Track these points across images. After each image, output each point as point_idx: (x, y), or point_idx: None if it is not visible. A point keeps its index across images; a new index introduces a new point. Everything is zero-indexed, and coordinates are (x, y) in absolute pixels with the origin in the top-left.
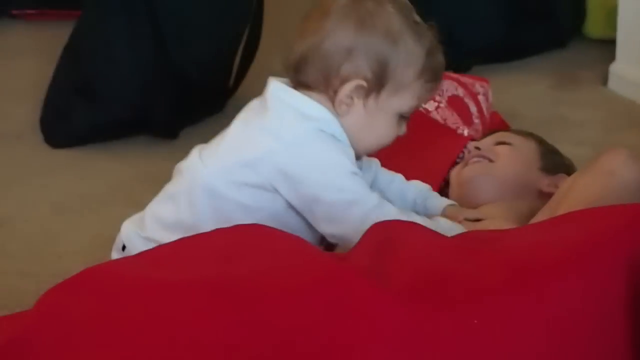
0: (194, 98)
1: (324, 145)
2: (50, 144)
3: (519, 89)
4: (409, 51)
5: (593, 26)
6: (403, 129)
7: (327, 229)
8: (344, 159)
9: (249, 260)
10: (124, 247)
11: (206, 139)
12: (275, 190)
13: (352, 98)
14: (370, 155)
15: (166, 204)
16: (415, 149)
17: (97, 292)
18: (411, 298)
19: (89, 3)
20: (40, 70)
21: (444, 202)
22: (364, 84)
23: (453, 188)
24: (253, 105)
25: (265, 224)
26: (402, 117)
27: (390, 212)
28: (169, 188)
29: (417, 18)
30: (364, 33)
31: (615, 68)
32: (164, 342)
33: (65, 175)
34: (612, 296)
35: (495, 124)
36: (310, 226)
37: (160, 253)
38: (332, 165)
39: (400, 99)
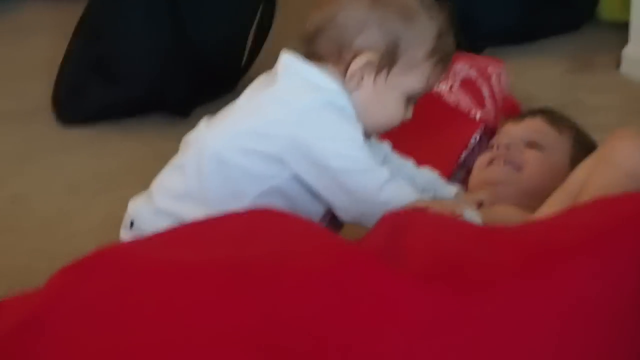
0: (208, 77)
1: (333, 116)
2: (63, 121)
3: (533, 72)
4: (422, 30)
5: (608, 9)
6: (410, 112)
7: (337, 200)
8: (354, 131)
9: (264, 243)
10: (132, 225)
11: None
12: (282, 161)
13: (362, 73)
14: (378, 135)
15: (174, 174)
16: (428, 133)
17: (111, 272)
18: (429, 281)
19: None
20: (54, 48)
21: (452, 191)
22: (376, 59)
23: (474, 180)
24: (262, 77)
25: (271, 194)
26: (410, 99)
27: (404, 189)
28: (176, 160)
29: None
30: (378, 7)
31: (628, 51)
32: (179, 323)
33: (78, 153)
34: (628, 281)
35: (508, 107)
36: (314, 199)
37: (174, 235)
38: (342, 135)
39: (409, 79)
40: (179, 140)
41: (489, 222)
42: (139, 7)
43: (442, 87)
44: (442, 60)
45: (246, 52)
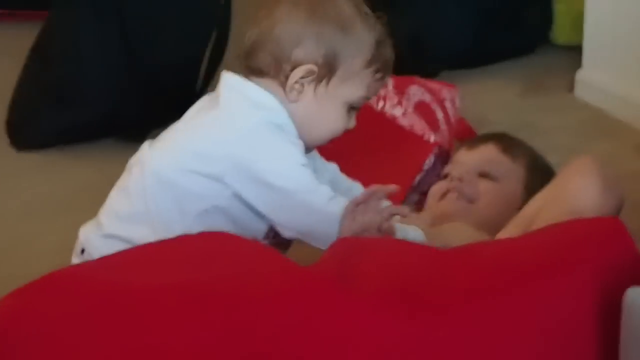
0: (161, 100)
1: (273, 135)
2: (17, 146)
3: (487, 96)
4: (359, 40)
5: (560, 32)
6: (353, 121)
7: (279, 218)
8: (295, 149)
9: (218, 267)
10: (82, 251)
11: None
12: (224, 181)
13: (302, 84)
14: (319, 147)
15: (119, 197)
16: (381, 155)
17: (63, 295)
18: (383, 305)
19: (58, 4)
20: (7, 73)
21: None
22: (315, 68)
23: (431, 210)
24: (205, 98)
25: (213, 213)
26: (352, 108)
27: (342, 204)
28: (120, 183)
29: (367, 9)
30: (315, 20)
31: (582, 75)
32: (133, 347)
33: (32, 178)
34: (583, 301)
35: (462, 130)
36: (257, 218)
37: (126, 258)
38: (283, 154)
39: (349, 87)
40: None
41: (438, 241)
42: (91, 32)
43: (397, 111)
44: (382, 69)
45: (201, 75)
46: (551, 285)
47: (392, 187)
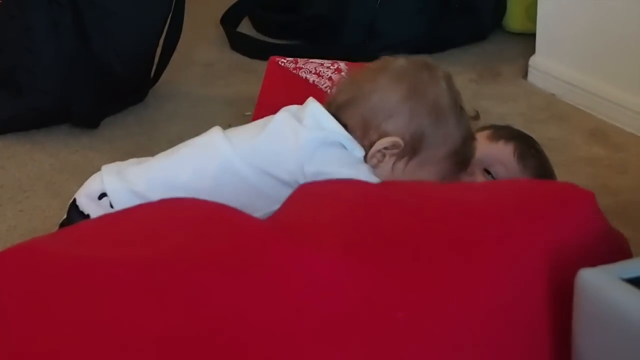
0: (115, 88)
1: (341, 151)
2: None
3: None
4: (448, 131)
5: (513, 20)
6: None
7: None
8: (363, 166)
9: (176, 235)
10: (101, 196)
11: (127, 128)
12: (294, 185)
13: (384, 154)
14: None
15: (171, 165)
16: None
17: (14, 270)
18: (349, 255)
19: None
20: None
21: None
22: (402, 143)
23: None
24: (288, 110)
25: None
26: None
27: None
28: (171, 154)
29: (462, 103)
30: (413, 98)
31: (535, 61)
32: (86, 325)
33: None
34: (533, 287)
35: None
36: None
37: (85, 229)
38: (354, 164)
39: (426, 172)
40: (86, 151)
41: None
42: (43, 18)
43: None
44: (460, 164)
45: (155, 64)
46: (504, 250)
47: None
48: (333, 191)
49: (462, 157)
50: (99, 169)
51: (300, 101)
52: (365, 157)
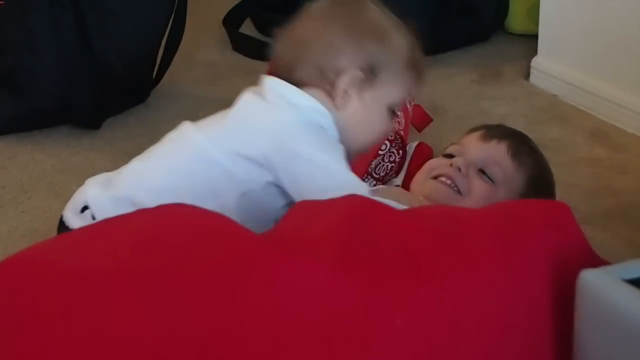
0: (116, 89)
1: (319, 132)
2: None
3: (441, 83)
4: (395, 42)
5: (515, 21)
6: (391, 124)
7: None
8: (336, 148)
9: (171, 245)
10: (83, 209)
11: (129, 129)
12: (264, 164)
13: (348, 90)
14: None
15: (148, 166)
16: None
17: (13, 281)
18: (342, 265)
19: None
20: None
21: None
22: (361, 74)
23: (416, 183)
24: (250, 90)
25: (241, 199)
26: (392, 111)
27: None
28: (149, 154)
29: (394, 17)
30: (352, 28)
31: (537, 62)
32: (75, 337)
33: None
34: (534, 291)
35: (418, 117)
36: (282, 208)
37: (82, 236)
38: (328, 148)
39: (392, 91)
40: (87, 152)
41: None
42: (44, 19)
43: None
44: (417, 70)
45: (156, 64)
46: (502, 254)
47: None
48: (328, 205)
49: (415, 62)
50: (100, 170)
51: None
52: (335, 105)
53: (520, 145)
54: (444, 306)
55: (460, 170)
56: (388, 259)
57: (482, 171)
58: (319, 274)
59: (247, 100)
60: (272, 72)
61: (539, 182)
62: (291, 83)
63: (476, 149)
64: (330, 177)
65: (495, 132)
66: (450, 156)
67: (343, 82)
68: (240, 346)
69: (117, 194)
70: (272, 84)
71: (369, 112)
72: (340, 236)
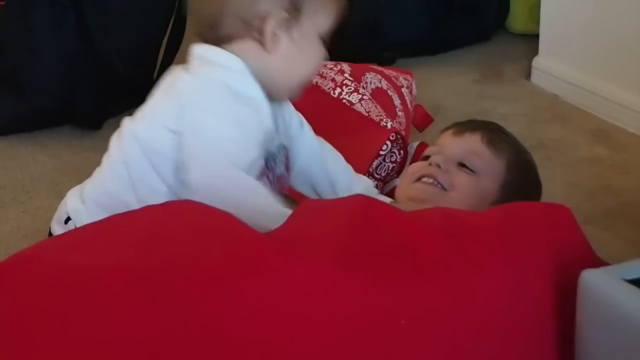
0: (118, 89)
1: (223, 97)
2: None
3: (443, 83)
4: None
5: (516, 21)
6: (325, 53)
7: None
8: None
9: (175, 243)
10: (67, 220)
11: None
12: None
13: (276, 32)
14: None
15: (103, 171)
16: (338, 142)
17: (16, 281)
18: (346, 264)
19: None
20: None
21: (368, 184)
22: (285, 14)
23: (400, 190)
24: (177, 67)
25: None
26: (323, 39)
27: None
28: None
29: None
30: None
31: (538, 62)
32: (76, 336)
33: None
34: (536, 291)
35: (419, 117)
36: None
37: (85, 234)
38: (222, 116)
39: (318, 20)
40: (88, 152)
41: None
42: (45, 19)
43: (354, 98)
44: None
45: (158, 64)
46: (504, 254)
47: None
48: (332, 205)
49: None
50: None
51: (302, 102)
52: (267, 50)
53: (493, 133)
54: (448, 306)
55: (439, 167)
56: (392, 259)
57: (461, 164)
58: (323, 273)
59: (168, 74)
60: (200, 34)
61: (519, 164)
62: (219, 40)
63: (452, 144)
64: (209, 138)
65: (466, 125)
66: (429, 158)
67: (270, 26)
68: (244, 345)
69: (87, 202)
70: (197, 51)
71: (302, 47)
72: (344, 236)
